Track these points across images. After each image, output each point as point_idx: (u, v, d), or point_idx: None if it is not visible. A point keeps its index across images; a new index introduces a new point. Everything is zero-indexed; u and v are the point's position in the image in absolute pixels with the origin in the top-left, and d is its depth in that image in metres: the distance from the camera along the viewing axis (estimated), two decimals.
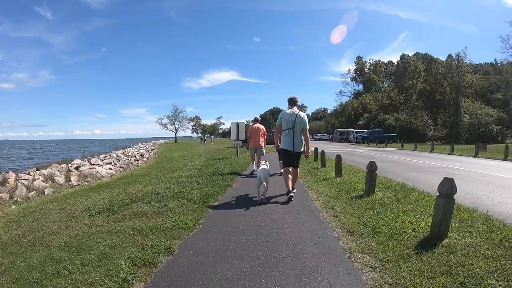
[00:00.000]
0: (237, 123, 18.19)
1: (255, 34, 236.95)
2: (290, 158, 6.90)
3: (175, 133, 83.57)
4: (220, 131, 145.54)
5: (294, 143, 6.73)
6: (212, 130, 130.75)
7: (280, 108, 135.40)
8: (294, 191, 6.95)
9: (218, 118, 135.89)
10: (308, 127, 6.86)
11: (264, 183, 6.44)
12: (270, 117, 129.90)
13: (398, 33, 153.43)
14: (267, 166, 6.98)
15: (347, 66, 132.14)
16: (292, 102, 7.04)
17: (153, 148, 45.38)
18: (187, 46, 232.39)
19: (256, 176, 7.00)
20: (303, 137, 6.84)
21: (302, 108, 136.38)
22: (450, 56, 64.75)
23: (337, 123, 77.86)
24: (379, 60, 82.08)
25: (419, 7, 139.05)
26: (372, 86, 75.59)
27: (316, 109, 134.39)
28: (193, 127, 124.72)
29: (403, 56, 66.86)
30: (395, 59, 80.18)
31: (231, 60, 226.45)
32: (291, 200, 6.60)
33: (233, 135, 18.50)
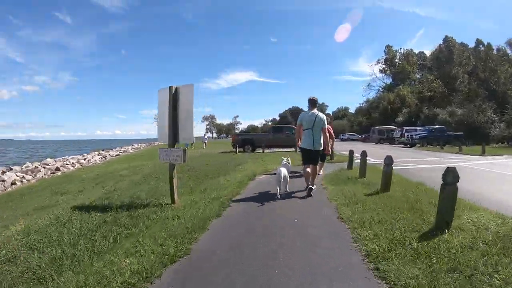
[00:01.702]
0: (173, 88, 5.40)
1: (272, 34, 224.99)
2: (309, 156, 6.85)
3: None
4: (237, 131, 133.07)
5: (314, 141, 6.71)
6: (227, 130, 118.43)
7: (300, 107, 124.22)
8: (314, 187, 6.79)
9: (235, 117, 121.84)
10: (327, 127, 6.92)
11: (283, 178, 6.37)
12: (290, 117, 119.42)
13: (415, 30, 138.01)
14: (289, 162, 7.23)
15: (365, 65, 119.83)
16: (312, 103, 6.88)
17: (119, 153, 32.70)
18: (205, 48, 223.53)
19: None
20: (323, 136, 6.84)
21: (323, 106, 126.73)
22: (488, 45, 51.85)
23: (364, 121, 64.55)
24: (411, 49, 68.46)
25: (437, 4, 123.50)
26: (405, 78, 61.76)
27: (337, 108, 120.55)
28: (208, 127, 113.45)
29: (446, 39, 52.94)
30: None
31: (249, 61, 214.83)
32: (311, 195, 6.49)
33: (161, 125, 5.73)
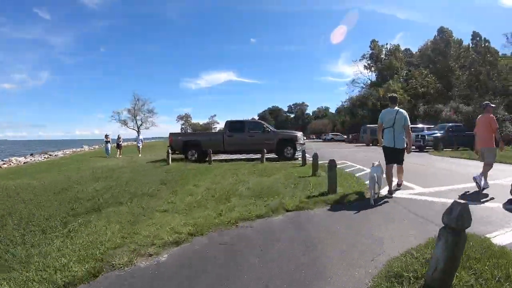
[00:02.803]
0: None
1: (252, 34, 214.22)
2: (392, 155, 6.35)
3: (138, 131, 60.72)
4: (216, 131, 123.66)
5: (395, 139, 6.20)
6: (203, 130, 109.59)
7: (279, 107, 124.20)
8: (399, 188, 6.57)
9: (212, 116, 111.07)
10: (409, 124, 6.31)
11: (376, 179, 5.64)
12: (269, 116, 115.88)
13: (394, 33, 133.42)
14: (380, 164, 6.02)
15: (344, 66, 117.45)
16: (393, 100, 6.50)
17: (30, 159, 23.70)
18: (186, 47, 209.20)
19: None
20: (405, 134, 6.28)
21: (303, 105, 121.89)
22: (479, 39, 46.44)
23: (349, 120, 57.74)
24: (398, 45, 61.95)
25: (416, 7, 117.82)
26: (393, 75, 54.83)
27: (318, 108, 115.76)
28: (183, 126, 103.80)
29: (441, 30, 46.20)
30: None
31: (229, 61, 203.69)
32: (390, 198, 5.88)
33: None
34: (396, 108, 6.26)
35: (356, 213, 4.82)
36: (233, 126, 15.53)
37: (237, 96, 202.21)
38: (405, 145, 6.27)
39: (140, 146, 22.37)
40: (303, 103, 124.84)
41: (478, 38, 45.96)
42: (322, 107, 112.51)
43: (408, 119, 6.19)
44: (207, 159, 13.48)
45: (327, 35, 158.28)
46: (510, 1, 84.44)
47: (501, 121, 28.20)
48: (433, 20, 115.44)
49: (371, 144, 28.60)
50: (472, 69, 41.18)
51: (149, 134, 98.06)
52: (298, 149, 14.99)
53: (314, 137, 72.78)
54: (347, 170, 10.11)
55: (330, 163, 6.16)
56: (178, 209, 5.22)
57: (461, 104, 32.06)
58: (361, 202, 5.48)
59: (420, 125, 25.54)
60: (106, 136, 21.67)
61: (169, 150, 14.01)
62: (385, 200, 5.69)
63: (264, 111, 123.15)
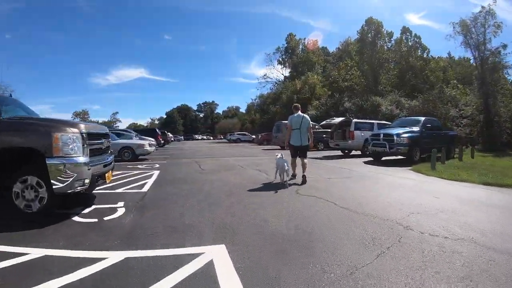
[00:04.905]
0: None
1: (166, 31, 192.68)
2: (297, 151, 7.26)
3: None
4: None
5: (302, 139, 7.10)
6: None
7: (189, 106, 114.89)
8: (304, 184, 6.73)
9: (114, 114, 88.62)
10: (311, 126, 7.37)
11: (286, 168, 6.44)
12: (177, 115, 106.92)
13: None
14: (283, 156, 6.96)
15: (257, 69, 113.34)
16: (297, 108, 7.44)
17: None
18: (97, 39, 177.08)
19: None
20: (308, 135, 7.25)
21: (213, 104, 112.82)
22: (409, 35, 42.46)
23: (259, 118, 49.14)
24: (316, 40, 55.63)
25: (330, 17, 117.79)
26: (310, 70, 47.09)
27: (228, 107, 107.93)
28: None
29: (369, 21, 38.85)
30: None
31: (141, 57, 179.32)
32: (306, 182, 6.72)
33: None
34: (301, 113, 7.22)
35: None
36: None
37: (149, 94, 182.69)
38: (308, 142, 7.17)
39: None
40: (213, 102, 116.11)
41: (407, 34, 40.33)
42: (232, 106, 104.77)
43: (310, 122, 7.24)
44: None
45: (241, 37, 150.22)
46: (416, 20, 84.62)
47: (451, 120, 20.83)
48: (346, 30, 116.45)
49: (287, 148, 18.86)
50: (405, 63, 34.89)
51: None
52: (61, 186, 3.73)
53: (222, 137, 63.75)
54: None
55: None
56: None
57: (402, 97, 24.47)
58: None
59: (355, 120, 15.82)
60: None
61: None
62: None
63: (172, 110, 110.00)
